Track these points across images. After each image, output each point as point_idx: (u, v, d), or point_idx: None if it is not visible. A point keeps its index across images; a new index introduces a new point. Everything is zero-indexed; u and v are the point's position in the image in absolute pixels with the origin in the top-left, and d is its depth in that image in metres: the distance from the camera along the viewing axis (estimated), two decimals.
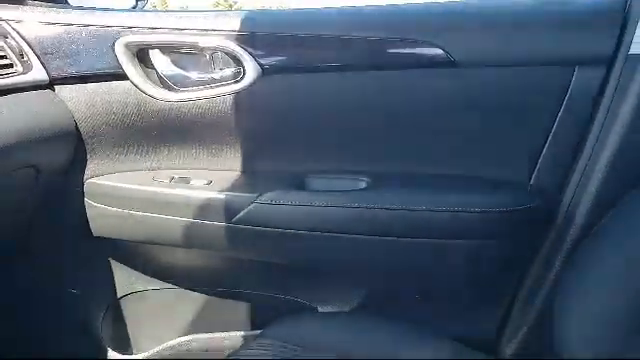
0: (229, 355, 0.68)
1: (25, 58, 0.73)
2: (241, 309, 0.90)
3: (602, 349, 0.63)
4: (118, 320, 0.92)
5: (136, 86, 0.78)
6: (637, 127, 0.74)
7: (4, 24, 0.73)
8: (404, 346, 0.73)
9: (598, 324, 0.65)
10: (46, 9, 0.78)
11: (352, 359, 0.67)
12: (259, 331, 0.77)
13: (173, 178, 0.82)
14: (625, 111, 0.74)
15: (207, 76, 0.80)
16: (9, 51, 0.71)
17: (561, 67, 0.77)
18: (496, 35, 0.78)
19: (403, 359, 0.70)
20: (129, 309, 0.92)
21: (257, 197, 0.79)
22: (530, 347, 0.85)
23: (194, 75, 0.80)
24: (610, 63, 0.75)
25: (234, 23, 0.78)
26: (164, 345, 0.91)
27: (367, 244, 0.79)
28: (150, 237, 0.83)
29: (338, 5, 0.82)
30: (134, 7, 1.00)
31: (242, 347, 0.69)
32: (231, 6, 4.49)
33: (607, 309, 0.65)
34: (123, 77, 0.78)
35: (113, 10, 0.81)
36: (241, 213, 0.79)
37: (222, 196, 0.79)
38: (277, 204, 0.78)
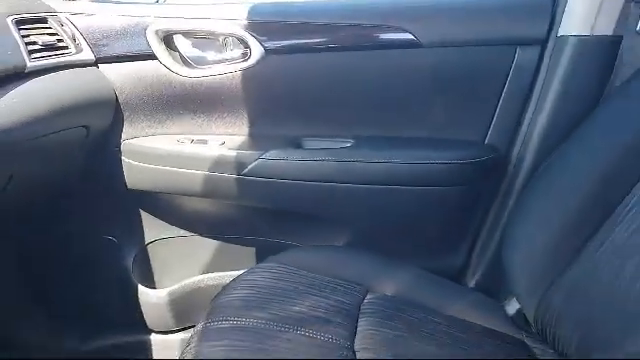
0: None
1: (77, 42, 0.92)
2: (249, 251, 1.08)
3: (536, 272, 0.81)
4: (146, 262, 1.11)
5: (163, 65, 0.97)
6: (565, 95, 0.93)
7: (61, 15, 0.92)
8: (382, 272, 0.92)
9: (535, 252, 0.83)
10: (91, 3, 0.97)
11: (342, 279, 0.85)
12: None
13: (193, 140, 1.01)
14: (556, 82, 0.93)
15: (220, 56, 0.99)
16: (65, 36, 0.90)
17: (506, 47, 0.96)
18: (454, 22, 0.97)
19: (381, 281, 0.88)
20: (155, 253, 1.10)
21: (262, 154, 0.97)
22: (490, 277, 1.03)
23: (210, 55, 0.99)
24: (543, 44, 0.94)
25: (242, 13, 0.96)
26: (183, 282, 1.09)
27: (354, 191, 0.98)
28: (174, 189, 1.02)
29: None
30: (156, 1, 1.18)
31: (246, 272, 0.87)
32: None
33: (542, 240, 0.83)
34: (153, 57, 0.96)
35: (144, 4, 1.00)
36: (249, 167, 0.97)
37: (233, 154, 0.98)
38: (278, 160, 0.97)
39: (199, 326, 0.70)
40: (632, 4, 0.86)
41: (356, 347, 0.70)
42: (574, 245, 0.75)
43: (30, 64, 0.78)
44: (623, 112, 0.80)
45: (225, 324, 0.69)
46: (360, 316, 0.77)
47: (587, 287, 0.72)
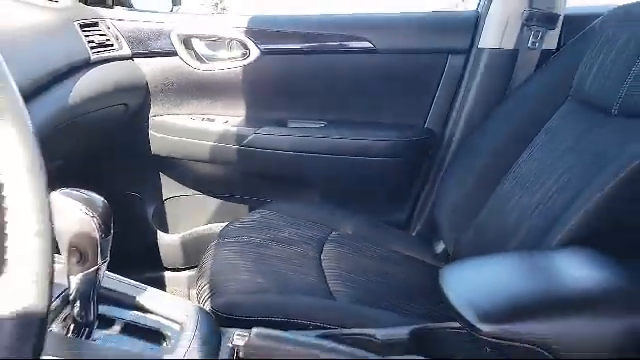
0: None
1: (119, 41, 1.22)
2: (244, 207, 1.39)
3: (456, 219, 1.13)
4: (163, 213, 1.41)
5: (182, 60, 1.27)
6: (480, 93, 1.25)
7: (107, 20, 1.22)
8: (345, 219, 1.23)
9: (455, 206, 1.15)
10: (127, 11, 1.27)
11: (315, 221, 1.16)
12: None
13: (203, 118, 1.31)
14: (475, 82, 1.26)
15: (226, 55, 1.30)
16: (111, 36, 1.19)
17: (440, 54, 1.29)
18: (402, 34, 1.30)
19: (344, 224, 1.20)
20: (170, 207, 1.41)
21: (256, 130, 1.29)
22: (427, 227, 1.35)
23: (218, 54, 1.30)
24: (468, 53, 1.27)
25: (243, 22, 1.27)
26: (192, 230, 1.40)
27: (324, 160, 1.30)
28: (188, 156, 1.32)
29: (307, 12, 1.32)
30: (171, 10, 1.47)
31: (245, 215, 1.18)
32: (217, 5, 4.92)
33: (459, 196, 1.15)
34: (175, 54, 1.27)
35: (168, 13, 1.30)
36: (246, 140, 1.29)
37: (234, 129, 1.29)
38: (268, 135, 1.29)
39: (214, 242, 1.02)
40: (525, 27, 1.19)
41: (322, 257, 1.02)
42: (482, 197, 1.07)
43: (92, 57, 1.08)
44: (514, 108, 1.13)
45: (232, 240, 1.00)
46: (326, 243, 1.09)
47: (488, 222, 1.04)
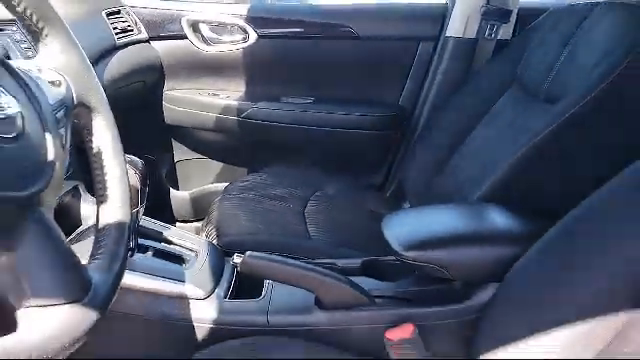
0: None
1: (138, 25, 1.42)
2: (243, 170, 1.63)
3: (420, 181, 1.37)
4: (174, 173, 1.65)
5: (191, 42, 1.48)
6: (445, 76, 1.46)
7: (127, 7, 1.42)
8: (328, 183, 1.46)
9: (420, 170, 1.38)
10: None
11: (302, 183, 1.40)
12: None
13: (209, 93, 1.53)
14: (442, 67, 1.47)
15: (228, 38, 1.50)
16: (130, 22, 1.40)
17: (413, 41, 1.49)
18: (381, 23, 1.50)
19: (326, 187, 1.43)
20: (181, 168, 1.65)
21: (254, 104, 1.51)
22: (399, 189, 1.59)
23: (222, 38, 1.50)
24: (436, 40, 1.47)
25: (243, 10, 1.47)
26: (198, 188, 1.64)
27: (312, 131, 1.52)
28: (195, 125, 1.55)
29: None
30: None
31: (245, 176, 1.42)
32: None
33: (424, 162, 1.37)
34: (185, 37, 1.47)
35: (179, 2, 1.50)
36: (245, 112, 1.51)
37: (235, 103, 1.51)
38: (264, 109, 1.51)
39: (219, 197, 1.26)
40: (483, 21, 1.39)
41: (305, 211, 1.26)
42: (439, 165, 1.30)
43: (117, 42, 1.28)
44: (472, 90, 1.34)
45: (233, 196, 1.24)
46: (309, 200, 1.33)
47: (440, 185, 1.27)
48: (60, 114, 0.47)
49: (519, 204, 0.91)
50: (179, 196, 1.64)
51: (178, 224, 1.68)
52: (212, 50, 1.49)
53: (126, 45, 1.34)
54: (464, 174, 1.18)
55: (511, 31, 1.44)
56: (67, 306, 0.40)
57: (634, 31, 0.91)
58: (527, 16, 1.43)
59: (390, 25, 1.50)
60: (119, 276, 0.49)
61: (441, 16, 1.47)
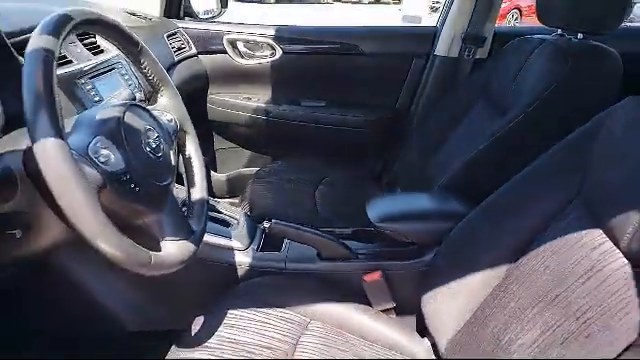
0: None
1: (189, 43, 1.78)
2: (267, 158, 1.99)
3: (415, 170, 1.71)
4: (214, 160, 2.03)
5: (230, 57, 1.83)
6: (433, 87, 1.78)
7: (181, 29, 1.77)
8: (331, 170, 1.81)
9: (413, 157, 1.71)
10: (193, 22, 1.82)
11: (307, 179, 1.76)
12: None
13: (243, 97, 1.89)
14: (431, 79, 1.79)
15: (259, 54, 1.85)
16: (184, 41, 1.75)
17: (408, 57, 1.81)
18: (380, 41, 1.82)
19: (330, 175, 1.78)
20: (219, 155, 2.03)
21: (279, 107, 1.86)
22: (395, 178, 1.93)
23: (254, 53, 1.85)
24: (427, 57, 1.79)
25: (272, 31, 1.81)
26: (234, 171, 2.02)
27: (323, 129, 1.87)
28: (232, 121, 1.91)
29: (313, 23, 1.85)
30: (218, 14, 2.00)
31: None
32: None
33: (418, 151, 1.71)
34: (225, 52, 1.83)
35: (221, 23, 1.85)
36: (272, 113, 1.87)
37: (264, 105, 1.87)
38: (286, 111, 1.86)
39: (251, 180, 1.63)
40: (464, 43, 1.70)
41: (315, 192, 1.62)
42: (425, 161, 1.63)
43: (175, 58, 1.65)
44: (453, 101, 1.66)
45: (262, 180, 1.61)
46: (319, 185, 1.68)
47: (423, 176, 1.62)
48: (174, 138, 0.84)
49: (465, 192, 1.25)
50: (217, 177, 2.02)
51: (215, 199, 2.06)
52: (246, 63, 1.85)
53: (181, 60, 1.70)
54: (439, 168, 1.52)
55: (487, 52, 1.75)
56: (183, 241, 0.77)
57: (554, 71, 1.23)
58: (501, 39, 1.75)
59: (390, 44, 1.83)
60: (204, 229, 0.86)
61: (431, 38, 1.79)
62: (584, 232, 0.81)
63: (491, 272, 0.95)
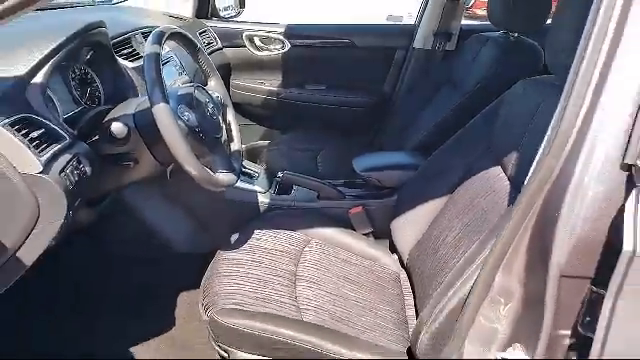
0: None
1: (216, 39, 2.17)
2: (277, 132, 2.39)
3: (392, 142, 2.12)
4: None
5: (248, 49, 2.23)
6: (412, 75, 2.17)
7: (210, 27, 2.17)
8: (328, 141, 2.22)
9: (393, 132, 2.13)
10: (218, 21, 2.22)
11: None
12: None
13: (259, 82, 2.29)
14: (410, 67, 2.18)
15: (271, 47, 2.25)
16: (212, 37, 2.15)
17: (391, 49, 2.20)
18: (370, 36, 2.21)
19: (327, 147, 2.19)
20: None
21: (287, 89, 2.27)
22: (381, 146, 2.33)
23: (268, 46, 2.25)
24: (407, 49, 2.18)
25: (281, 28, 2.21)
26: (250, 143, 2.42)
27: (326, 108, 2.27)
28: (250, 103, 2.32)
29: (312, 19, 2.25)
30: (237, 14, 2.39)
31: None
32: None
33: (394, 130, 2.12)
34: (244, 46, 2.23)
35: (240, 21, 2.24)
36: (281, 95, 2.28)
37: (275, 89, 2.28)
38: (294, 92, 2.27)
39: (266, 149, 2.04)
40: (435, 38, 2.08)
41: (317, 158, 2.03)
42: (405, 131, 2.03)
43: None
44: (428, 84, 2.06)
45: (275, 147, 2.02)
46: (319, 152, 2.09)
47: (402, 141, 2.03)
48: (221, 108, 1.25)
49: (427, 151, 1.64)
50: (238, 147, 2.43)
51: None
52: (261, 54, 2.25)
53: (210, 53, 2.10)
54: (413, 135, 1.93)
55: (454, 45, 2.13)
56: (228, 172, 1.18)
57: (493, 60, 1.62)
58: (467, 33, 2.12)
59: (377, 38, 2.22)
60: (240, 167, 1.28)
61: (410, 33, 2.17)
62: (490, 169, 1.21)
63: (436, 202, 1.35)
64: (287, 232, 1.42)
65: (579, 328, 0.72)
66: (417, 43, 2.15)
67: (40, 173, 0.87)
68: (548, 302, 0.73)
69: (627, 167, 0.65)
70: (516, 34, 1.68)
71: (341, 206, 1.57)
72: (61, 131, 0.98)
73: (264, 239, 1.37)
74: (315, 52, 2.25)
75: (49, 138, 0.94)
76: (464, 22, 2.15)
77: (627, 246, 0.62)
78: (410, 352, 1.11)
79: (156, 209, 1.53)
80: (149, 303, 1.54)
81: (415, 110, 2.03)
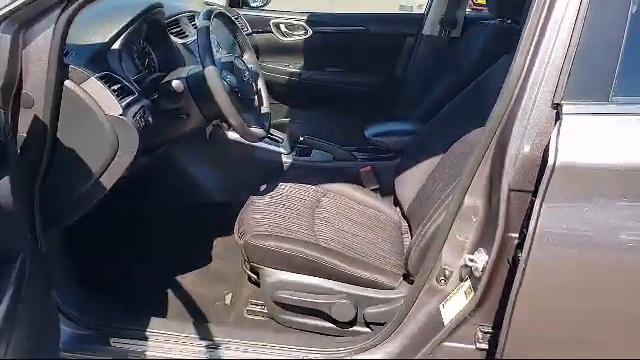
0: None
1: (247, 25, 2.43)
2: (302, 111, 2.64)
3: (400, 114, 2.34)
4: None
5: (275, 35, 2.49)
6: (421, 56, 2.39)
7: (241, 15, 2.42)
8: (348, 116, 2.45)
9: (405, 108, 2.35)
10: (249, 9, 2.48)
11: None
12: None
13: (283, 64, 2.54)
14: (419, 52, 2.40)
15: (296, 33, 2.49)
16: (243, 23, 2.41)
17: (401, 36, 2.42)
18: (383, 24, 2.44)
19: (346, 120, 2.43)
20: None
21: (309, 71, 2.51)
22: (390, 118, 2.56)
23: (292, 32, 2.49)
24: (416, 36, 2.40)
25: (304, 16, 2.45)
26: (275, 120, 2.68)
27: (342, 87, 2.51)
28: (276, 82, 2.57)
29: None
30: (265, 4, 2.64)
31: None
32: None
33: (407, 106, 2.35)
34: (271, 32, 2.48)
35: (267, 10, 2.50)
36: (304, 76, 2.52)
37: (298, 70, 2.52)
38: (315, 74, 2.51)
39: (289, 123, 2.29)
40: (441, 25, 2.30)
41: (334, 130, 2.27)
42: (416, 102, 2.26)
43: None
44: (435, 66, 2.27)
45: (298, 122, 2.27)
46: (338, 127, 2.33)
47: (408, 114, 2.26)
48: (254, 76, 1.51)
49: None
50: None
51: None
52: (286, 39, 2.50)
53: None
54: (419, 107, 2.15)
55: (460, 32, 2.34)
56: (259, 128, 1.44)
57: (489, 43, 1.83)
58: (471, 20, 2.33)
59: (390, 26, 2.44)
60: (269, 125, 1.53)
61: (420, 22, 2.39)
62: (476, 129, 1.44)
63: (431, 160, 1.58)
64: (307, 185, 1.66)
65: (523, 230, 0.95)
66: (426, 30, 2.36)
67: (120, 115, 1.13)
68: (501, 212, 0.96)
69: (555, 105, 0.88)
70: (509, 20, 1.88)
71: (353, 166, 1.81)
72: (132, 87, 1.24)
73: (288, 189, 1.61)
74: (334, 38, 2.49)
75: (124, 91, 1.20)
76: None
77: (550, 161, 0.85)
78: (405, 276, 1.35)
79: (198, 165, 1.80)
80: (190, 244, 1.80)
81: (421, 89, 2.25)
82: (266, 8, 2.60)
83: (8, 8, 0.93)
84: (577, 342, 1.00)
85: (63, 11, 0.98)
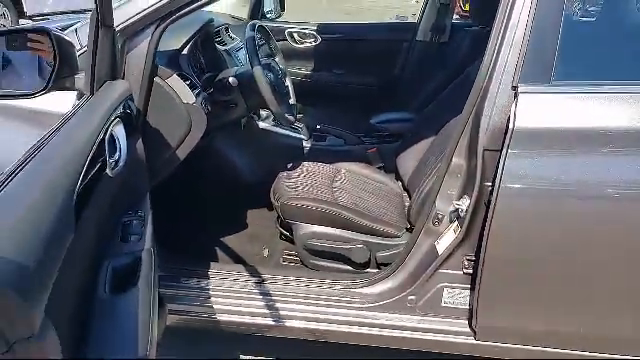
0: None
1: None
2: (309, 108, 2.99)
3: (400, 106, 2.70)
4: None
5: (289, 42, 2.83)
6: (415, 60, 2.75)
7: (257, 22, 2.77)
8: (351, 113, 2.80)
9: (400, 103, 2.71)
10: (267, 21, 2.83)
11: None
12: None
13: (297, 68, 2.89)
14: (414, 54, 2.75)
15: (307, 41, 2.84)
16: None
17: (399, 42, 2.78)
18: (382, 32, 2.79)
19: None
20: None
21: (318, 73, 2.86)
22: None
23: (304, 40, 2.84)
24: (411, 42, 2.76)
25: (314, 27, 2.80)
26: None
27: (347, 86, 2.86)
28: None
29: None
30: (278, 16, 2.99)
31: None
32: None
33: (404, 103, 2.70)
34: (286, 40, 2.83)
35: (282, 21, 2.85)
36: (313, 78, 2.87)
37: (309, 72, 2.87)
38: (323, 75, 2.86)
39: (302, 117, 2.63)
40: (431, 32, 2.65)
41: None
42: (413, 99, 2.62)
43: None
44: (426, 68, 2.63)
45: (310, 115, 2.61)
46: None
47: (408, 103, 2.61)
48: (284, 76, 1.85)
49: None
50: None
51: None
52: (299, 46, 2.85)
53: (261, 45, 2.69)
54: (415, 100, 2.50)
55: (447, 37, 2.69)
56: (290, 114, 1.78)
57: (473, 47, 2.19)
58: (458, 27, 2.69)
59: (388, 33, 2.80)
60: (296, 113, 1.87)
61: (413, 29, 2.74)
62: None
63: (427, 141, 1.92)
64: (324, 164, 2.00)
65: (494, 179, 1.30)
66: (419, 36, 2.72)
67: (193, 103, 1.47)
68: (478, 167, 1.31)
69: (514, 87, 1.22)
70: (488, 27, 2.24)
71: (361, 149, 2.15)
72: (197, 83, 1.58)
73: (309, 167, 1.95)
74: (340, 44, 2.84)
75: (192, 86, 1.54)
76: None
77: (510, 126, 1.19)
78: (407, 229, 1.69)
79: (235, 149, 2.14)
80: (232, 213, 2.12)
81: (416, 85, 2.61)
82: (281, 19, 2.95)
83: (123, 25, 1.28)
84: (533, 261, 1.34)
85: (157, 28, 1.33)
